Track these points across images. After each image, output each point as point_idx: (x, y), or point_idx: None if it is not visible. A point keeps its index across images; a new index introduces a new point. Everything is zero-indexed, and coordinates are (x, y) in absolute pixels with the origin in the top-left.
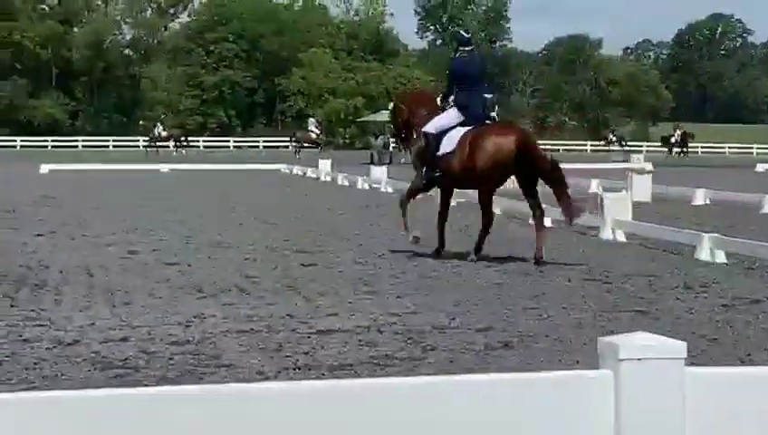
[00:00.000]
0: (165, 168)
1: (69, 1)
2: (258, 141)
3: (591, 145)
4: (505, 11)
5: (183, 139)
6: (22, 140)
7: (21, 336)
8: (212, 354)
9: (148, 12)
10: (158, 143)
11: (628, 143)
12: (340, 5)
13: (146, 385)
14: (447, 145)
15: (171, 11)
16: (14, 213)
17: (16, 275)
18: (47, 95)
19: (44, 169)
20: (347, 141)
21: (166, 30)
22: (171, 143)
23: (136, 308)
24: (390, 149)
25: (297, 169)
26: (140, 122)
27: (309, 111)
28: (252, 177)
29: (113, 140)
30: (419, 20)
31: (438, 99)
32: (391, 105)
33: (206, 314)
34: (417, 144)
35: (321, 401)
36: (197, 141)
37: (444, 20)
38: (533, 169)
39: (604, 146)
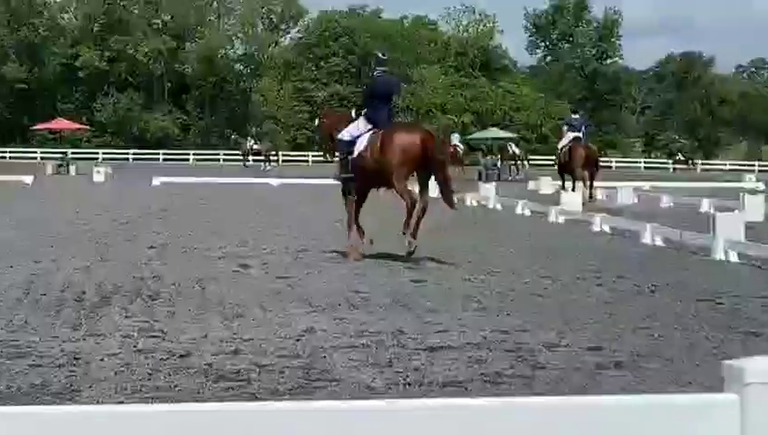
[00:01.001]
0: (275, 182)
1: (182, 16)
2: None
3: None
4: (617, 27)
5: (273, 154)
6: (134, 153)
7: (135, 347)
8: (322, 368)
9: (260, 27)
10: (250, 157)
11: (695, 161)
12: (450, 22)
13: (257, 398)
14: (359, 147)
15: (282, 26)
16: (127, 225)
17: (130, 287)
18: (159, 109)
19: (156, 181)
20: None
21: (277, 45)
22: (262, 158)
23: (247, 321)
24: (499, 165)
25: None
26: (232, 136)
27: None
28: None
29: (224, 154)
30: (529, 36)
31: (353, 111)
32: (317, 121)
33: (317, 329)
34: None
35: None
36: (306, 156)
37: (554, 37)
38: (430, 164)
39: (673, 164)
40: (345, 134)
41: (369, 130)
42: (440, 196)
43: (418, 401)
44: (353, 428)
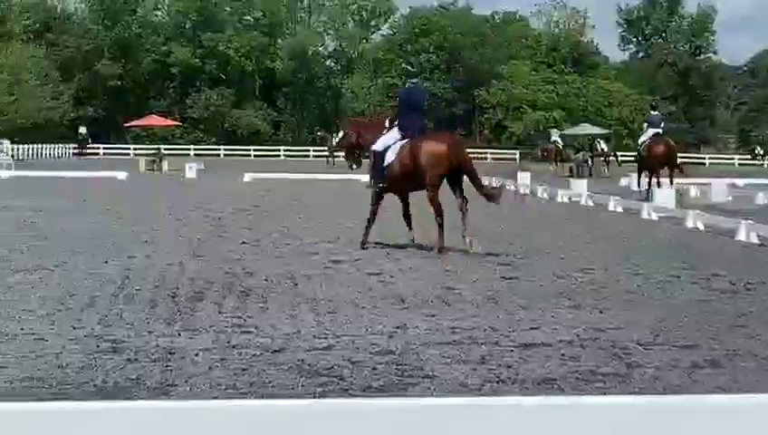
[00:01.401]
0: (365, 178)
1: (273, 13)
2: None
3: (740, 158)
4: (710, 23)
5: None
6: (225, 149)
7: (229, 342)
8: (415, 365)
9: (350, 24)
10: (334, 153)
11: None
12: (541, 18)
13: (351, 395)
14: (390, 156)
15: (373, 23)
16: (219, 221)
17: (223, 283)
18: (250, 105)
19: (248, 177)
20: (544, 154)
21: (367, 42)
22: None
23: (340, 317)
24: (590, 162)
25: (495, 182)
26: (318, 133)
27: (507, 123)
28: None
29: (314, 150)
30: (621, 32)
31: (387, 121)
32: (341, 133)
33: (409, 325)
34: (370, 163)
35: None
36: None
37: (646, 32)
38: (461, 169)
39: (751, 159)
40: (379, 144)
41: (400, 139)
42: (480, 195)
43: (512, 399)
44: (448, 425)
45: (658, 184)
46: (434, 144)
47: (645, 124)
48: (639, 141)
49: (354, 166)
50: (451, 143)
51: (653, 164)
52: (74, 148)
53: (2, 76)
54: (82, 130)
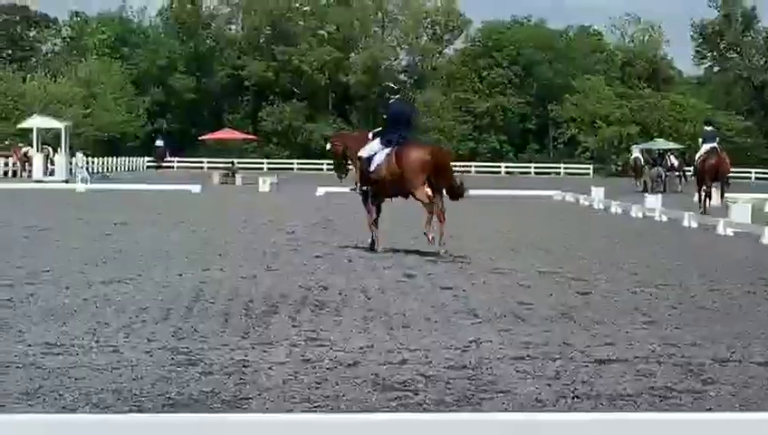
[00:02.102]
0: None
1: (347, 27)
2: (530, 168)
3: None
4: None
5: None
6: (299, 163)
7: (303, 356)
8: (489, 380)
9: (424, 38)
10: None
11: None
12: (615, 32)
13: (425, 409)
14: (376, 162)
15: (446, 37)
16: (293, 235)
17: (297, 296)
18: (323, 119)
19: (320, 191)
20: (618, 169)
21: (440, 56)
22: None
23: (413, 331)
24: (665, 177)
25: (570, 197)
26: None
27: (581, 137)
28: (523, 203)
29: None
30: (696, 47)
31: (371, 133)
32: (329, 145)
33: (483, 339)
34: (357, 171)
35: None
36: (470, 167)
37: (721, 47)
38: (439, 179)
39: None
40: (364, 152)
41: (383, 148)
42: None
43: (588, 415)
44: None
45: (709, 196)
46: (418, 152)
47: (701, 140)
48: (696, 156)
49: (343, 175)
50: (434, 152)
51: (704, 177)
52: (150, 161)
53: (78, 90)
54: (159, 142)
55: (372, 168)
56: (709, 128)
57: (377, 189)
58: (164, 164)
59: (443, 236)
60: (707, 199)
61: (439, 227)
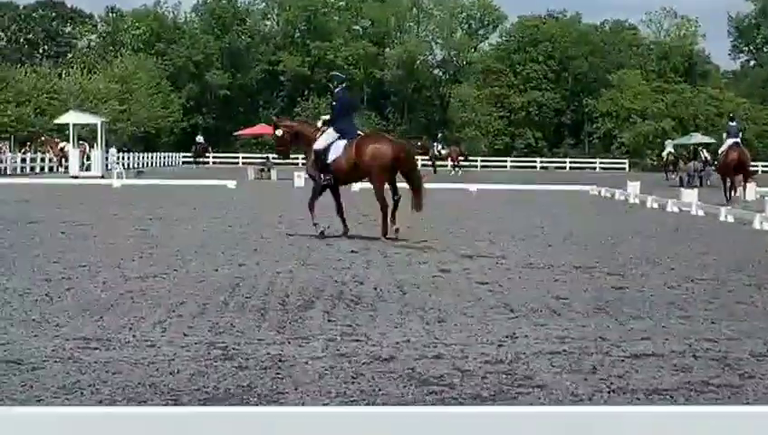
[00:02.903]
0: (473, 187)
1: (382, 22)
2: (565, 162)
3: None
4: None
5: (462, 158)
6: None
7: (338, 350)
8: (525, 374)
9: (459, 33)
10: (436, 162)
11: None
12: (651, 26)
13: (461, 403)
14: (334, 154)
15: (481, 32)
16: (328, 229)
17: (332, 291)
18: (359, 114)
19: (356, 186)
20: (653, 164)
21: (475, 51)
22: (449, 162)
23: (449, 326)
24: (702, 172)
25: (605, 192)
26: (419, 142)
27: (616, 132)
28: (559, 198)
29: (421, 159)
30: (732, 41)
31: (320, 123)
32: (279, 131)
33: (518, 334)
34: (309, 160)
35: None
36: (505, 161)
37: (758, 41)
38: (400, 168)
39: None
40: (320, 143)
41: (339, 138)
42: (412, 196)
43: (626, 408)
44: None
45: (733, 189)
46: (379, 144)
47: (724, 134)
48: (720, 150)
49: (284, 156)
50: (395, 144)
51: (727, 170)
52: (187, 156)
53: (113, 86)
54: (200, 138)
55: (330, 159)
56: (733, 123)
57: (334, 178)
58: (201, 160)
59: (396, 223)
60: (732, 191)
61: (391, 217)
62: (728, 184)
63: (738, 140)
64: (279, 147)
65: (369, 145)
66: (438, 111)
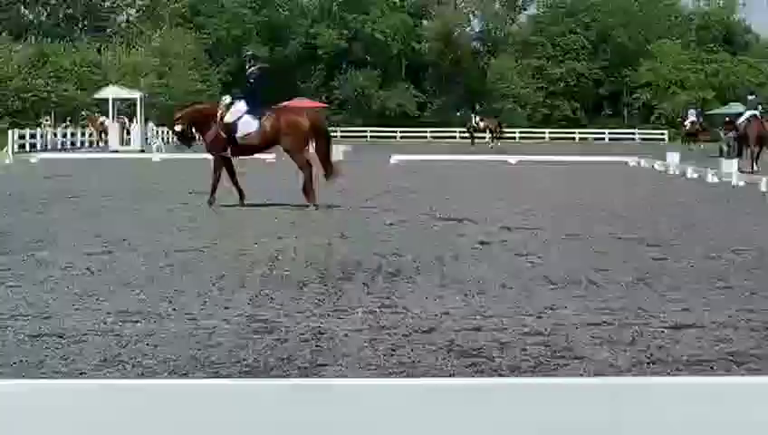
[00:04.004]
0: (512, 159)
1: None
2: (604, 133)
3: None
4: None
5: (498, 129)
6: (371, 131)
7: (378, 323)
8: (564, 346)
9: (496, 4)
10: (474, 134)
11: None
12: None
13: (501, 375)
14: (245, 128)
15: (519, 3)
16: (367, 202)
17: (371, 263)
18: (396, 86)
19: (394, 159)
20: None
21: (513, 22)
22: (487, 134)
23: (488, 298)
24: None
25: (645, 163)
26: (458, 113)
27: (655, 103)
28: (598, 169)
29: (459, 132)
30: None
31: (225, 97)
32: (176, 115)
33: (558, 306)
34: (211, 137)
35: None
36: (544, 133)
37: None
38: (317, 137)
39: None
40: (230, 116)
41: (247, 111)
42: (320, 167)
43: (664, 379)
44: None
45: (755, 158)
46: (296, 116)
47: (744, 107)
48: (738, 121)
49: (189, 146)
50: (311, 115)
51: (746, 141)
52: None
53: (152, 60)
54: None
55: (241, 133)
56: (752, 96)
57: (240, 152)
58: None
59: (316, 192)
60: (754, 162)
61: (316, 187)
62: (753, 154)
63: (756, 112)
64: (182, 140)
65: (288, 116)
66: (476, 83)
